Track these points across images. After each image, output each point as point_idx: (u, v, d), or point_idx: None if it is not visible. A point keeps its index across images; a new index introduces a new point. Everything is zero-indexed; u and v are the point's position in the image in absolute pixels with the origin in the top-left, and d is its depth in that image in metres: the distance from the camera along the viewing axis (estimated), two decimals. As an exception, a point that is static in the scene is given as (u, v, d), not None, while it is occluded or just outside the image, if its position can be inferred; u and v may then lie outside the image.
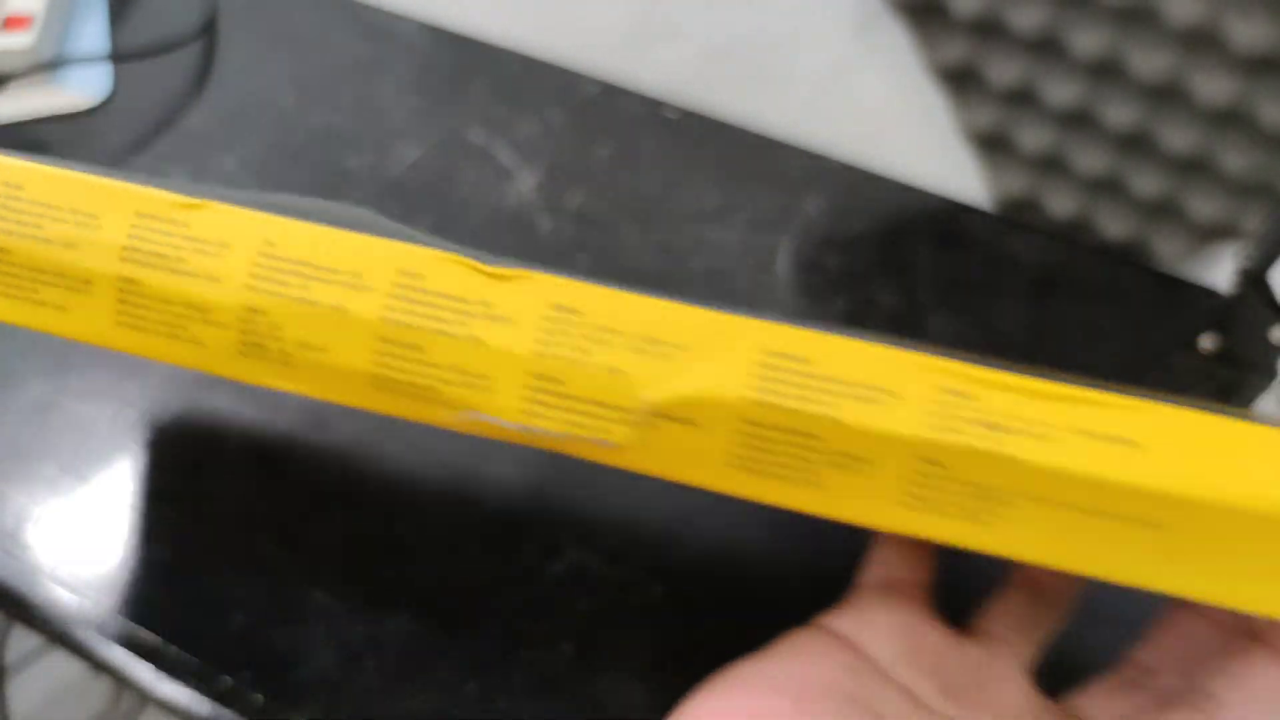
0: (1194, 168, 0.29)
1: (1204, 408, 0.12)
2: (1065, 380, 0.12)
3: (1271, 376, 0.29)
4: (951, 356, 0.12)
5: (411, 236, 0.13)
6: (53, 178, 0.13)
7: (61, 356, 0.27)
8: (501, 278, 0.13)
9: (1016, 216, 0.32)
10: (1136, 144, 0.29)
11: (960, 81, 0.30)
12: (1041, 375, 0.12)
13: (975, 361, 0.12)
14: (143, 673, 0.22)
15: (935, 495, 0.12)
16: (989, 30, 0.28)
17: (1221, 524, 0.11)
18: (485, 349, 0.12)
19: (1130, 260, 0.32)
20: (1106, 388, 0.12)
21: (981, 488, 0.12)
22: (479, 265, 0.13)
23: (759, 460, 0.12)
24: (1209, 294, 0.31)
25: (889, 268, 0.30)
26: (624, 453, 0.13)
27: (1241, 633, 0.13)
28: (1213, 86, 0.27)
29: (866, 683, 0.14)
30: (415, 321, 0.13)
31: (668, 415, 0.12)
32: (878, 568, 0.17)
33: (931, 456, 0.12)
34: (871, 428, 0.12)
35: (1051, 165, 0.31)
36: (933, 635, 0.15)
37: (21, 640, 0.49)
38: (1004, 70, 0.29)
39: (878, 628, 0.15)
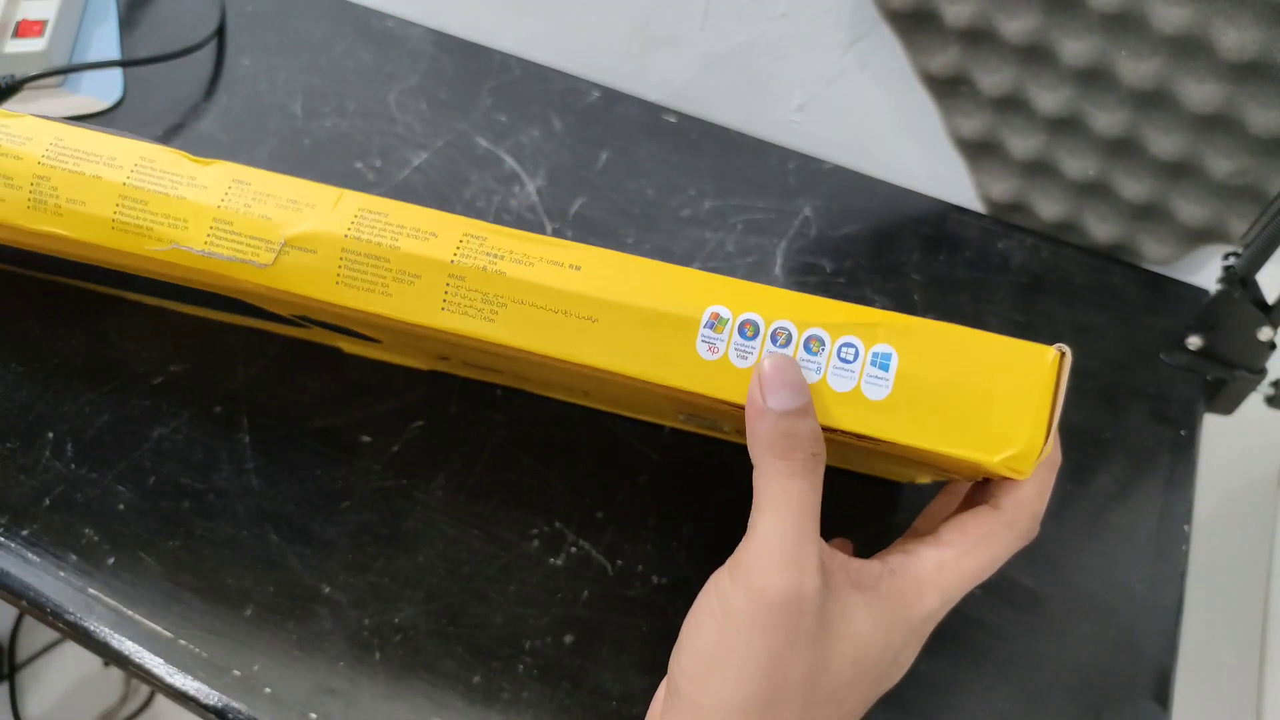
0: (1181, 171, 0.29)
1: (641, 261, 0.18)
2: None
3: (1259, 374, 0.29)
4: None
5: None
6: None
7: (71, 355, 0.27)
8: (204, 163, 0.19)
9: (1006, 218, 0.33)
10: (1125, 148, 0.30)
11: (951, 87, 0.31)
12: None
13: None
14: (154, 665, 0.22)
15: (461, 301, 0.18)
16: (979, 37, 0.29)
17: (632, 317, 0.18)
18: (186, 204, 0.19)
19: (1118, 261, 0.32)
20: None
21: (488, 295, 0.18)
22: (191, 157, 0.19)
23: (353, 279, 0.19)
24: (1197, 293, 0.32)
25: (882, 269, 0.31)
26: (269, 272, 0.19)
27: (980, 499, 0.19)
28: (1200, 92, 0.27)
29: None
30: (145, 185, 0.19)
31: (297, 246, 0.19)
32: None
33: (456, 273, 0.18)
34: (419, 254, 0.18)
35: (1041, 169, 0.31)
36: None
37: (33, 633, 0.49)
38: (994, 76, 0.30)
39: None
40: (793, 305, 0.17)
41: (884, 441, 0.17)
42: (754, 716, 0.16)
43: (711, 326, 0.17)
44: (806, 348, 0.17)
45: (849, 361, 0.17)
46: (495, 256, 0.18)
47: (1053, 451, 0.17)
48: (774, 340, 0.17)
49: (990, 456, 0.17)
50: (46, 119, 0.20)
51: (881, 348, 0.17)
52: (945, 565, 0.18)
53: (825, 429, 0.17)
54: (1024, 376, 0.17)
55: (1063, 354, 0.17)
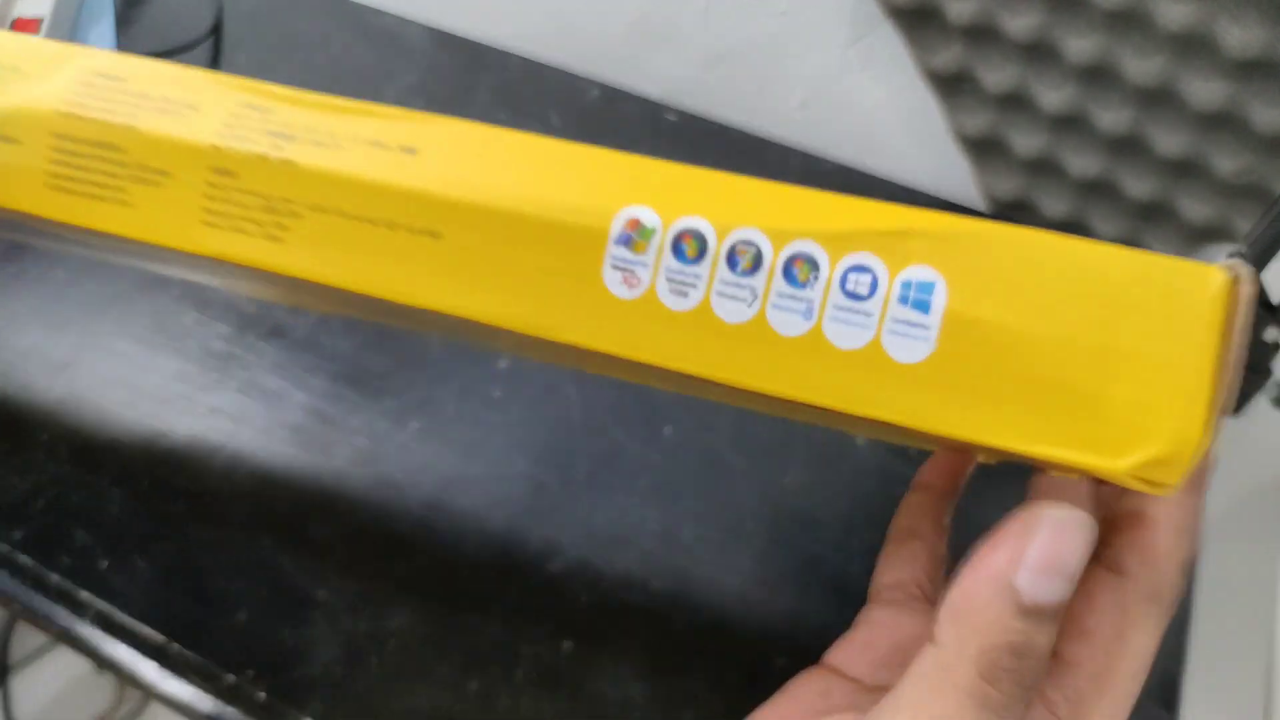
0: (1186, 169, 0.29)
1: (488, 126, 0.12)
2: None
3: (1266, 375, 0.29)
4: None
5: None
6: None
7: (68, 358, 0.27)
8: None
9: (1010, 217, 0.33)
10: (1129, 146, 0.29)
11: (954, 85, 0.30)
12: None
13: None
14: (147, 670, 0.22)
15: (231, 209, 0.12)
16: (982, 34, 0.29)
17: (496, 230, 0.11)
18: None
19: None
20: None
21: (271, 199, 0.12)
22: None
23: (73, 179, 0.12)
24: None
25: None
26: None
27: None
28: (1204, 89, 0.27)
29: (837, 701, 0.14)
30: None
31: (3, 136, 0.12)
32: (884, 571, 0.17)
33: (223, 165, 0.12)
34: (167, 136, 0.12)
35: (1044, 167, 0.31)
36: (912, 633, 0.15)
37: (26, 637, 0.49)
38: (997, 74, 0.29)
39: (855, 647, 0.16)
40: (763, 202, 0.11)
41: (920, 432, 0.11)
42: None
43: (627, 242, 0.11)
44: (787, 273, 0.10)
45: (860, 298, 0.10)
46: (284, 137, 0.12)
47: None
48: (731, 262, 0.10)
49: (1111, 460, 0.10)
50: None
51: (917, 272, 0.10)
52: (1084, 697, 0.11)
53: (811, 405, 0.11)
54: (1170, 317, 0.10)
55: (1236, 277, 0.10)
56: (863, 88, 0.32)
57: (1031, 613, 0.10)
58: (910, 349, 0.10)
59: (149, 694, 0.23)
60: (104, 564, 0.23)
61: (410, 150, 0.12)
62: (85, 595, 0.23)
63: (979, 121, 0.31)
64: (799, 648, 0.23)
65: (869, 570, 0.24)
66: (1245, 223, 0.29)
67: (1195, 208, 0.30)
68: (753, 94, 0.33)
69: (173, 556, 0.24)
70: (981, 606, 0.10)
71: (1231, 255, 0.29)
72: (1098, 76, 0.28)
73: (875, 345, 0.10)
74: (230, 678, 0.22)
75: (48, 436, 0.25)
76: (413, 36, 0.35)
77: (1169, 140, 0.28)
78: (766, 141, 0.33)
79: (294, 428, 0.26)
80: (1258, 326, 0.28)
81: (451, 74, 0.34)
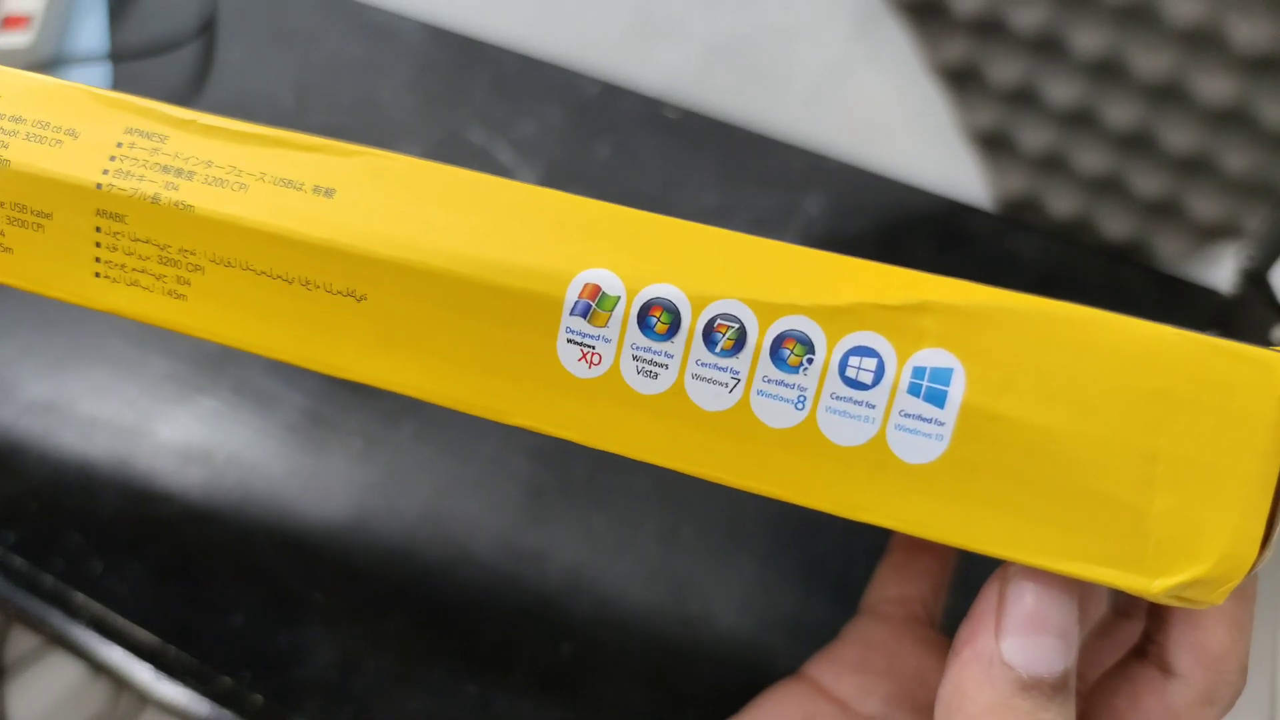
0: (1195, 167, 0.29)
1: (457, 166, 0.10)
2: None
3: (1272, 376, 0.29)
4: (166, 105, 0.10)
5: None
6: None
7: (60, 359, 0.27)
8: None
9: (1017, 216, 0.32)
10: (1137, 143, 0.29)
11: (961, 81, 0.30)
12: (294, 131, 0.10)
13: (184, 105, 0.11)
14: (142, 673, 0.22)
15: (125, 260, 0.10)
16: (990, 29, 0.28)
17: (429, 294, 0.09)
18: None
19: (1131, 260, 0.32)
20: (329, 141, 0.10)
21: (167, 250, 0.10)
22: None
23: None
24: (1209, 294, 0.31)
25: (889, 267, 0.30)
26: None
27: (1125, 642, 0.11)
28: (1214, 86, 0.27)
29: None
30: None
31: None
32: (886, 584, 0.16)
33: (109, 209, 0.10)
34: (43, 172, 0.10)
35: (1052, 165, 0.31)
36: (910, 659, 0.14)
37: (20, 640, 0.49)
38: (1005, 69, 0.29)
39: (844, 665, 0.15)
40: (747, 265, 0.09)
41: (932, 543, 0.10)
42: None
43: (585, 312, 0.09)
44: (776, 356, 0.09)
45: (863, 386, 0.09)
46: (178, 174, 0.10)
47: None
48: (708, 339, 0.09)
49: (1148, 580, 0.08)
50: None
51: (931, 357, 0.09)
52: None
53: (799, 505, 0.09)
54: (1226, 416, 0.08)
55: None
56: (868, 83, 0.31)
57: (1032, 687, 0.09)
58: (920, 448, 0.09)
59: (144, 697, 0.23)
60: (98, 567, 0.23)
61: (327, 192, 0.10)
62: (79, 598, 0.23)
63: (986, 117, 0.30)
64: (800, 652, 0.23)
65: (871, 573, 0.24)
66: (1254, 221, 0.29)
67: (1204, 205, 0.29)
68: (754, 89, 0.33)
69: (167, 559, 0.23)
70: (974, 693, 0.09)
71: (1241, 255, 0.28)
72: (1106, 72, 0.28)
73: (879, 442, 0.09)
74: (226, 681, 0.22)
75: (40, 438, 0.25)
76: (408, 31, 0.35)
77: (1178, 137, 0.28)
78: (768, 138, 0.33)
79: (288, 429, 0.26)
80: (1267, 326, 0.28)
81: (447, 69, 0.34)
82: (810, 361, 0.09)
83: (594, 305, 0.09)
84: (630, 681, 0.22)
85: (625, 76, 0.34)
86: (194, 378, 0.26)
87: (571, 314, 0.09)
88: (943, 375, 0.09)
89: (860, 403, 0.09)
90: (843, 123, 0.33)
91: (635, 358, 0.09)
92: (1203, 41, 0.26)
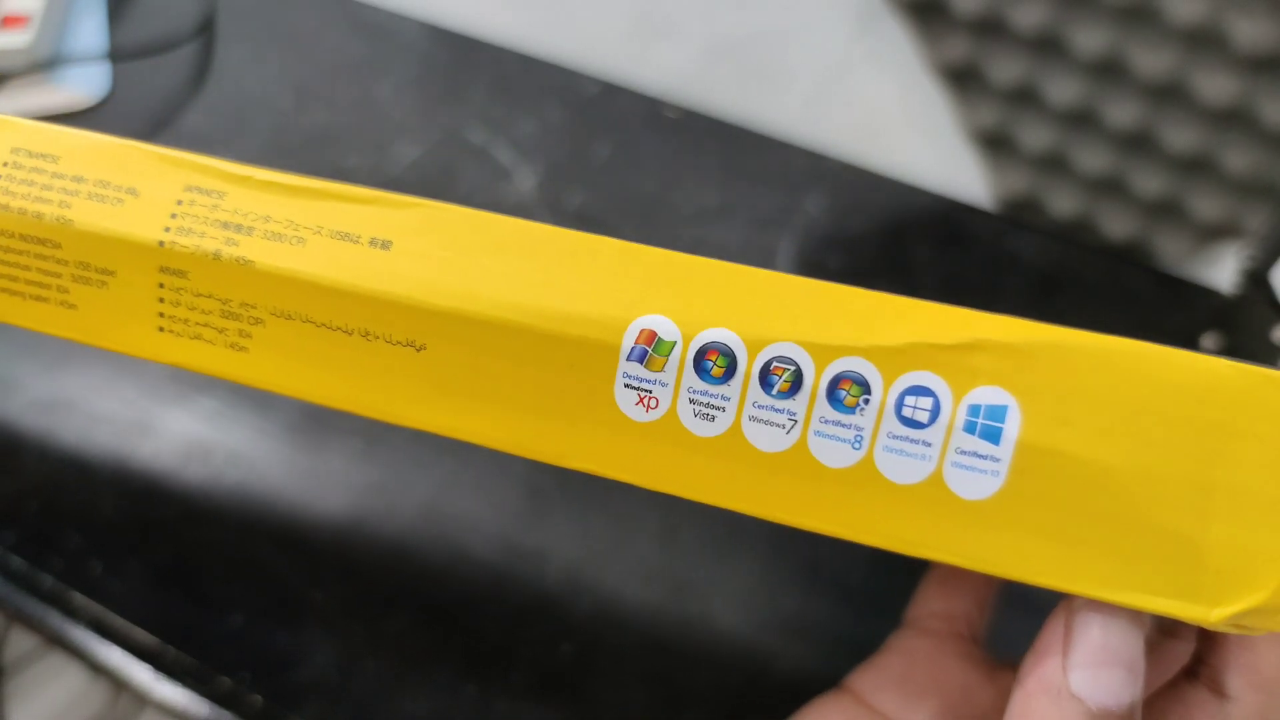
0: (1196, 167, 0.29)
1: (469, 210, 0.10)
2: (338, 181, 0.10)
3: (1273, 376, 0.29)
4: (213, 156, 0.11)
5: None
6: None
7: (61, 356, 0.27)
8: None
9: (1018, 216, 0.32)
10: (1138, 143, 0.29)
11: (961, 80, 0.30)
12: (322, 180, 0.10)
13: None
14: (141, 674, 0.22)
15: (188, 315, 0.10)
16: (990, 29, 0.28)
17: (487, 343, 0.09)
18: None
19: (1132, 260, 0.32)
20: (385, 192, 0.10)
21: (229, 304, 0.10)
22: None
23: (12, 277, 0.11)
24: (1211, 293, 0.31)
25: (890, 267, 0.30)
26: None
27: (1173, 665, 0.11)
28: (1215, 86, 0.26)
29: None
30: None
31: None
32: (930, 599, 0.16)
33: (172, 265, 0.10)
34: (107, 231, 0.10)
35: (1053, 164, 0.31)
36: (955, 675, 0.14)
37: (19, 641, 0.49)
38: (1005, 69, 0.29)
39: (888, 678, 0.15)
40: (802, 307, 0.09)
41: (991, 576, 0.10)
42: None
43: (641, 357, 0.09)
44: (833, 397, 0.09)
45: (920, 425, 0.09)
46: (238, 229, 0.10)
47: None
48: (764, 382, 0.09)
49: (1205, 610, 0.09)
50: None
51: (986, 394, 0.09)
52: None
53: (859, 542, 0.10)
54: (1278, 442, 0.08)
55: None
56: (868, 82, 0.31)
57: (1100, 719, 0.09)
58: (977, 484, 0.09)
59: (143, 698, 0.23)
60: (97, 567, 0.23)
61: (384, 244, 0.10)
62: (78, 598, 0.23)
63: (987, 117, 0.30)
64: (800, 653, 0.23)
65: (871, 576, 0.24)
66: (1255, 221, 0.29)
67: (1205, 205, 0.29)
68: (755, 89, 0.33)
69: (167, 559, 0.23)
70: None
71: (1242, 256, 0.28)
72: (1107, 72, 0.28)
73: (936, 479, 0.09)
74: (226, 681, 0.22)
75: (39, 437, 0.25)
76: (407, 31, 0.35)
77: (1179, 137, 0.28)
78: (769, 138, 0.33)
79: (288, 429, 0.25)
80: (1268, 326, 0.28)
81: (447, 69, 0.34)
82: (867, 402, 0.09)
83: (650, 350, 0.09)
84: (630, 681, 0.22)
85: (626, 76, 0.34)
86: (194, 377, 0.26)
87: (629, 359, 0.09)
88: (998, 413, 0.09)
89: (917, 441, 0.09)
90: (843, 122, 0.32)
91: (692, 400, 0.09)
92: (1203, 41, 0.26)
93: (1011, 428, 0.09)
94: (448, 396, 0.10)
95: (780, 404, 0.09)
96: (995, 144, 0.31)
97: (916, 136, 0.32)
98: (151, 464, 0.25)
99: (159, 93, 0.32)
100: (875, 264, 0.30)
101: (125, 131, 0.19)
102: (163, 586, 0.23)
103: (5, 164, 0.11)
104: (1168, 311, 0.30)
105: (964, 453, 0.09)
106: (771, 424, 0.09)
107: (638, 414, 0.10)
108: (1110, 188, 0.30)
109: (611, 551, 0.24)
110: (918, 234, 0.31)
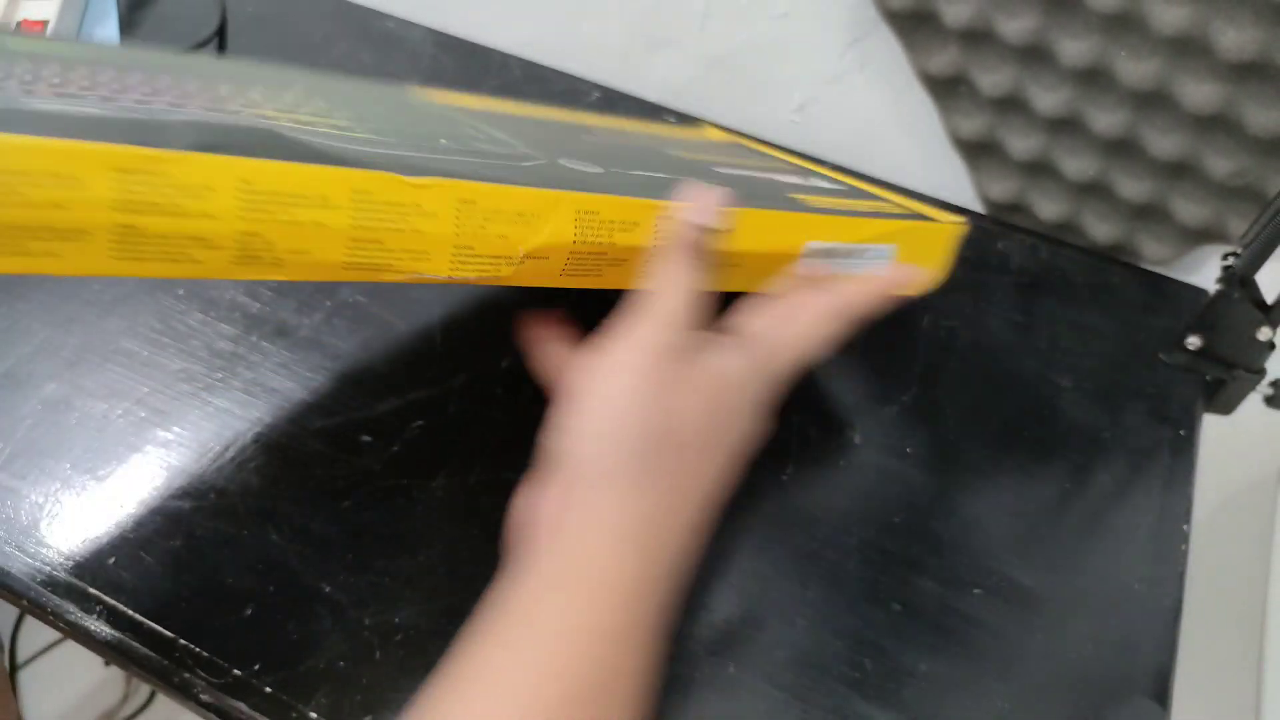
0: (1180, 171, 0.29)
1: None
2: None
3: (1258, 374, 0.30)
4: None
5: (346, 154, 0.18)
6: (22, 148, 0.14)
7: (74, 357, 0.27)
8: (419, 185, 0.18)
9: (1006, 219, 0.33)
10: (1123, 148, 0.30)
11: (950, 87, 0.31)
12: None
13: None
14: (153, 665, 0.22)
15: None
16: (978, 37, 0.29)
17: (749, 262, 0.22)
18: (422, 235, 0.18)
19: (1118, 261, 0.32)
20: None
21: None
22: (402, 179, 0.18)
23: (575, 269, 0.20)
24: (1195, 294, 0.31)
25: (883, 269, 0.31)
26: (504, 279, 0.19)
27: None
28: (1199, 91, 0.27)
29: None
30: (374, 224, 0.18)
31: (533, 256, 0.19)
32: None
33: (649, 254, 0.21)
34: (628, 244, 0.21)
35: (1040, 169, 0.31)
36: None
37: (34, 633, 0.49)
38: (993, 76, 0.30)
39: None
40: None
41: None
42: (637, 444, 0.18)
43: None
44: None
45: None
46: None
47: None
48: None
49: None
50: (217, 156, 0.16)
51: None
52: (800, 335, 0.21)
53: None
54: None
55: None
56: (860, 91, 0.32)
57: (696, 227, 0.20)
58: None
59: (155, 689, 0.23)
60: (111, 560, 0.24)
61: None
62: (93, 591, 0.23)
63: (975, 124, 0.31)
64: (795, 641, 0.23)
65: (865, 566, 0.24)
66: (1240, 224, 0.29)
67: (1190, 209, 0.30)
68: (750, 97, 0.34)
69: (180, 553, 0.24)
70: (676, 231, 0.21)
71: (1226, 257, 0.29)
72: (1093, 79, 0.28)
73: None
74: (237, 672, 0.22)
75: (54, 434, 0.25)
76: (415, 39, 0.35)
77: (1164, 142, 0.28)
78: (763, 143, 0.34)
79: (298, 425, 0.26)
80: (1252, 326, 0.28)
81: (454, 76, 0.34)
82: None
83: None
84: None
85: (626, 84, 0.34)
86: (206, 376, 0.27)
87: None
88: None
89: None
90: (835, 129, 0.33)
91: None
92: (1188, 47, 0.27)
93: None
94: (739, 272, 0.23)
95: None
96: (983, 150, 0.32)
97: (907, 142, 0.32)
98: (164, 460, 0.25)
99: (171, 99, 0.33)
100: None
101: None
102: (176, 579, 0.23)
103: (579, 223, 0.20)
104: (1153, 311, 0.31)
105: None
106: None
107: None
108: (1096, 191, 0.31)
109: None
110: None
